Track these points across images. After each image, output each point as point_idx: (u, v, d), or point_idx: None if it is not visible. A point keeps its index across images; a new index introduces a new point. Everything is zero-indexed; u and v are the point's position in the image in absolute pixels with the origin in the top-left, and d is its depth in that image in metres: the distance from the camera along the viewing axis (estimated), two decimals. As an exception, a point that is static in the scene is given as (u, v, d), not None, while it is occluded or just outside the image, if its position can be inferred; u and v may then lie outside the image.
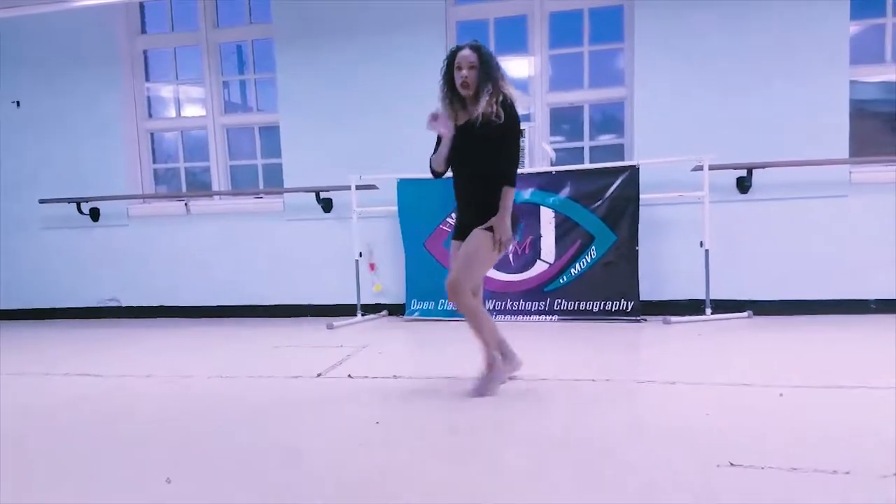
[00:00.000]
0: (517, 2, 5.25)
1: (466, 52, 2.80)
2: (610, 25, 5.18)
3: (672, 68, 4.80)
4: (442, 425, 2.45)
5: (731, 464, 1.94)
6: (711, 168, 4.54)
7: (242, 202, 5.75)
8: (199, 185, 6.12)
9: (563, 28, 5.27)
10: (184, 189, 6.05)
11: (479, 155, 2.83)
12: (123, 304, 5.95)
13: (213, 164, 5.86)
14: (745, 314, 4.63)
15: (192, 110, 6.17)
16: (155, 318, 5.83)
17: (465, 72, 2.78)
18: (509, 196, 2.81)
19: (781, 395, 2.69)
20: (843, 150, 4.60)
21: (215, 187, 5.86)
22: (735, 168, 4.68)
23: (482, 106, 2.75)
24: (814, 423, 2.33)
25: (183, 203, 5.78)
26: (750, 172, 4.67)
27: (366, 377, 3.27)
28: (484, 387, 2.87)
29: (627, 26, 5.03)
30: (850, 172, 4.64)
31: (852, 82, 4.65)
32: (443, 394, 2.92)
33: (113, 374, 3.55)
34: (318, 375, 3.36)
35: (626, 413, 2.56)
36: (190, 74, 6.03)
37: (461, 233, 2.98)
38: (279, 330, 4.93)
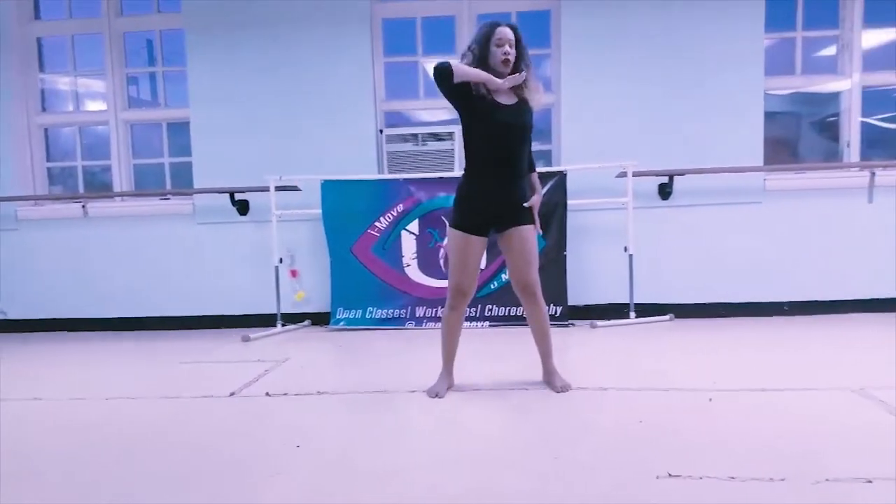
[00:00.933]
0: (445, 2, 5.15)
1: (507, 30, 2.70)
2: (537, 30, 5.15)
3: (598, 76, 4.83)
4: (370, 444, 2.30)
5: (670, 474, 1.92)
6: (635, 175, 4.60)
7: (147, 204, 5.33)
8: (99, 186, 5.65)
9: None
10: (81, 190, 5.56)
11: (528, 140, 2.82)
12: (10, 317, 5.39)
13: (115, 163, 5.41)
14: (666, 317, 4.71)
15: (95, 105, 5.69)
16: (46, 331, 5.30)
17: (508, 48, 2.68)
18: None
19: (710, 399, 2.71)
20: (759, 159, 4.77)
21: (117, 188, 5.42)
22: (657, 175, 4.75)
23: (537, 91, 2.76)
24: (744, 428, 2.36)
25: (80, 205, 5.30)
26: (671, 179, 4.76)
27: (286, 394, 3.05)
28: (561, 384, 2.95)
29: (554, 32, 5.02)
30: (765, 180, 4.81)
31: (767, 94, 4.83)
32: (371, 410, 2.76)
33: (-8, 397, 3.15)
34: (232, 394, 3.10)
35: (562, 422, 2.52)
36: (91, 66, 5.55)
37: (493, 226, 2.86)
38: (189, 344, 4.59)
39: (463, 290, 2.86)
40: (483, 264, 4.64)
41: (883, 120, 5.17)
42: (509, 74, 2.69)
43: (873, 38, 4.94)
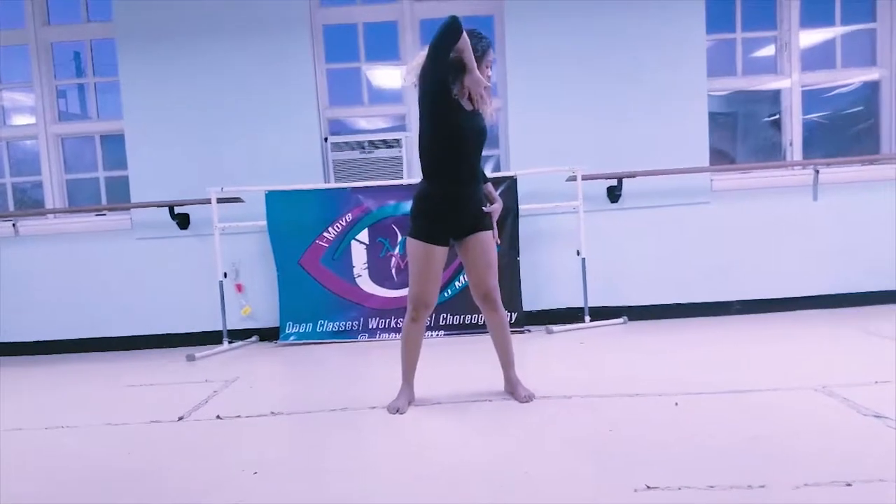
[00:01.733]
0: (386, 7, 5.06)
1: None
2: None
3: (544, 80, 4.81)
4: (332, 467, 2.18)
5: (648, 486, 1.86)
6: (584, 178, 4.60)
7: (82, 220, 5.08)
8: (31, 203, 5.36)
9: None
10: (11, 208, 5.27)
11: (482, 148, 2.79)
12: (-65, 344, 5.07)
13: (46, 179, 5.15)
14: (620, 320, 4.71)
15: (23, 119, 5.40)
16: (-22, 357, 5.00)
17: (490, 73, 2.76)
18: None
19: (677, 404, 2.68)
20: (705, 160, 4.81)
21: (49, 204, 5.15)
22: (606, 178, 4.76)
23: (490, 106, 2.73)
24: (714, 432, 2.32)
25: (10, 224, 5.02)
26: (620, 182, 4.76)
27: (238, 416, 2.90)
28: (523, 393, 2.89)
29: (499, 36, 4.98)
30: (712, 180, 4.87)
31: (710, 95, 4.89)
32: (330, 430, 2.64)
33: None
34: (180, 419, 2.93)
35: (530, 434, 2.43)
36: (16, 78, 5.28)
37: (454, 234, 2.78)
38: (132, 364, 4.38)
39: (425, 301, 2.76)
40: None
41: (822, 118, 5.30)
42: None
43: (810, 37, 5.06)
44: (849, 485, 1.80)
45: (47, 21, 5.13)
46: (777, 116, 5.14)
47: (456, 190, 2.70)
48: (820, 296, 4.84)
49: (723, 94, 5.16)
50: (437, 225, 2.71)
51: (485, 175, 2.90)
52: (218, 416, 2.91)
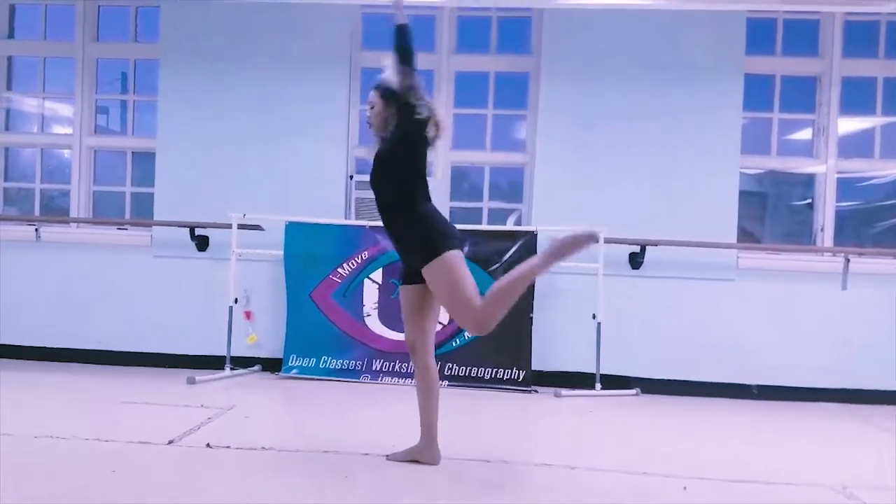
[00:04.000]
0: (424, 56, 5.11)
1: (371, 93, 2.84)
2: (514, 92, 5.16)
3: (574, 141, 4.81)
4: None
5: None
6: (606, 241, 4.51)
7: (104, 232, 5.12)
8: (56, 211, 5.43)
9: (469, 88, 5.20)
10: (37, 213, 5.33)
11: None
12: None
13: (74, 188, 5.21)
14: (633, 392, 4.57)
15: (60, 129, 5.52)
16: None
17: (369, 110, 2.82)
18: None
19: (685, 488, 2.54)
20: (732, 236, 4.74)
21: (74, 213, 5.21)
22: (629, 243, 4.69)
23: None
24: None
25: (33, 228, 5.06)
26: (643, 249, 4.69)
27: (228, 447, 2.82)
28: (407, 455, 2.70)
29: (532, 93, 5.02)
30: (738, 257, 4.77)
31: (742, 173, 4.84)
32: (317, 471, 2.55)
33: None
34: (170, 442, 2.87)
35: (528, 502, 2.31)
36: (61, 88, 5.41)
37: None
38: (132, 381, 4.34)
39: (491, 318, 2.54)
40: (445, 320, 4.49)
41: (855, 207, 5.20)
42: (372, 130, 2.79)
43: (848, 125, 5.01)
44: None
45: (96, 38, 5.28)
46: (809, 201, 5.05)
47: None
48: (844, 389, 4.64)
49: (755, 173, 5.11)
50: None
51: None
52: (208, 445, 2.84)
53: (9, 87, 5.42)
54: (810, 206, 5.06)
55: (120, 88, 5.71)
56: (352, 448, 2.86)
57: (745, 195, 4.94)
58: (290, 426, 3.48)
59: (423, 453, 2.68)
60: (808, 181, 5.06)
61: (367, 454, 2.79)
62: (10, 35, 5.38)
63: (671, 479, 2.64)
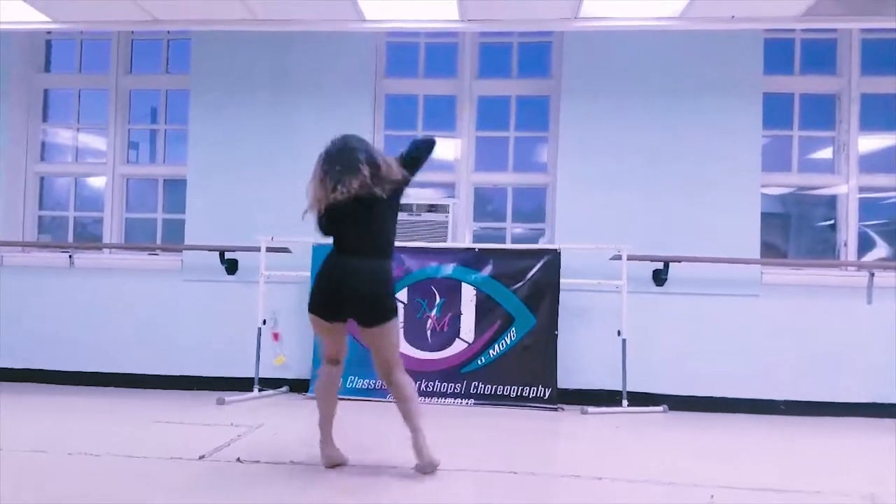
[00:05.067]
0: (447, 82, 5.26)
1: None
2: (535, 114, 5.26)
3: (595, 160, 4.87)
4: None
5: None
6: (630, 258, 4.55)
7: (135, 258, 5.26)
8: (89, 238, 5.59)
9: (491, 112, 5.30)
10: (70, 240, 5.49)
11: None
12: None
13: (108, 215, 5.37)
14: (660, 408, 4.54)
15: (93, 158, 5.70)
16: (21, 381, 5.07)
17: None
18: None
19: (713, 496, 2.54)
20: (756, 251, 4.74)
21: (106, 240, 5.35)
22: (652, 260, 4.71)
23: None
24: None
25: (67, 255, 5.22)
26: (667, 265, 4.70)
27: (257, 461, 2.88)
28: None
29: (553, 116, 5.11)
30: (762, 273, 4.76)
31: (765, 195, 4.86)
32: (342, 482, 2.59)
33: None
34: (202, 457, 2.93)
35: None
36: (94, 119, 5.60)
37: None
38: (164, 402, 4.43)
39: None
40: (471, 339, 4.54)
41: (878, 225, 5.17)
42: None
43: (869, 143, 5.02)
44: None
45: (129, 70, 5.48)
46: (832, 222, 5.05)
47: None
48: (872, 404, 4.59)
49: (778, 194, 5.12)
50: None
51: None
52: (238, 459, 2.90)
53: (45, 119, 5.61)
54: (833, 226, 5.05)
55: (150, 121, 5.89)
56: (380, 461, 2.89)
57: (768, 216, 4.95)
58: (316, 443, 3.52)
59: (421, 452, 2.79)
60: (831, 202, 5.07)
61: (395, 467, 2.82)
62: (47, 69, 5.60)
63: (698, 489, 2.64)
